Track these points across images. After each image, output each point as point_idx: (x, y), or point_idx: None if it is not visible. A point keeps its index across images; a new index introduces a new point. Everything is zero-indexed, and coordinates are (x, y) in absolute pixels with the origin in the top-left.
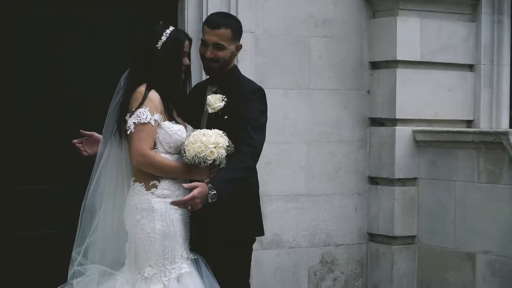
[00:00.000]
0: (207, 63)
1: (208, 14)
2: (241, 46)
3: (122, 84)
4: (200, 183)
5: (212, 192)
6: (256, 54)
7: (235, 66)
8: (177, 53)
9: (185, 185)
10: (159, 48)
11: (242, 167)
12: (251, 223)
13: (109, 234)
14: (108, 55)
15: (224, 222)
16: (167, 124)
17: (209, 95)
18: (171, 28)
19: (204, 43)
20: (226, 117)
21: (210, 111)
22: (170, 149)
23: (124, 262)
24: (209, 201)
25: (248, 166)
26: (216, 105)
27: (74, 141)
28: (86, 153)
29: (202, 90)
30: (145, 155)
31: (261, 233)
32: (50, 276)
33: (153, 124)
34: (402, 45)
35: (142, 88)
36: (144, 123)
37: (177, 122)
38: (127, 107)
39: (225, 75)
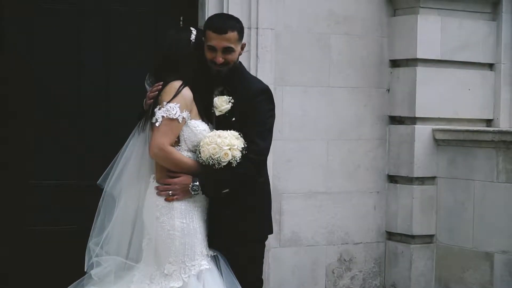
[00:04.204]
0: (218, 68)
1: (213, 15)
2: (244, 44)
3: (147, 85)
4: (185, 174)
5: (194, 184)
6: (277, 51)
7: (240, 63)
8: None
9: (169, 174)
10: (191, 47)
11: (238, 172)
12: (261, 221)
13: (127, 227)
14: (127, 49)
15: (234, 220)
16: (193, 123)
17: (215, 96)
18: (194, 28)
19: (211, 48)
20: (233, 119)
21: (217, 113)
22: (193, 148)
23: (140, 256)
24: (192, 192)
25: (246, 172)
26: (223, 107)
27: None
28: None
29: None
30: (163, 150)
31: (270, 231)
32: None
33: (180, 121)
34: (422, 44)
35: (176, 84)
36: (172, 119)
37: (203, 121)
38: (157, 100)
39: (230, 74)
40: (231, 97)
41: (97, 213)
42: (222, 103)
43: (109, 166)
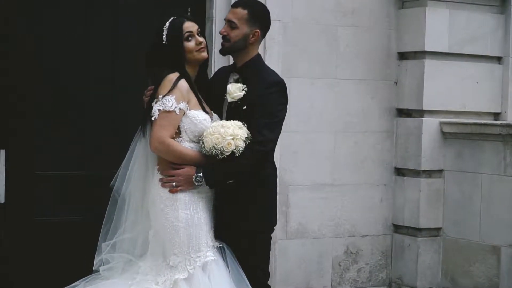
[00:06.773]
0: (222, 42)
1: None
2: (258, 32)
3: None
4: (189, 165)
5: (198, 175)
6: (284, 42)
7: (259, 55)
8: (178, 39)
9: (173, 165)
10: (165, 43)
11: (242, 163)
12: (263, 213)
13: (138, 228)
14: (134, 40)
15: (236, 211)
16: (193, 113)
17: (230, 83)
18: (171, 18)
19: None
20: (244, 107)
21: (229, 100)
22: (194, 138)
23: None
24: (195, 184)
25: (250, 164)
26: (235, 94)
27: None
28: None
29: (225, 75)
30: (163, 142)
31: (274, 223)
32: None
33: (178, 113)
34: (430, 36)
35: (172, 76)
36: (169, 111)
37: (205, 111)
38: (154, 95)
39: (247, 64)
40: (245, 86)
41: (107, 215)
42: (236, 90)
43: (118, 170)
